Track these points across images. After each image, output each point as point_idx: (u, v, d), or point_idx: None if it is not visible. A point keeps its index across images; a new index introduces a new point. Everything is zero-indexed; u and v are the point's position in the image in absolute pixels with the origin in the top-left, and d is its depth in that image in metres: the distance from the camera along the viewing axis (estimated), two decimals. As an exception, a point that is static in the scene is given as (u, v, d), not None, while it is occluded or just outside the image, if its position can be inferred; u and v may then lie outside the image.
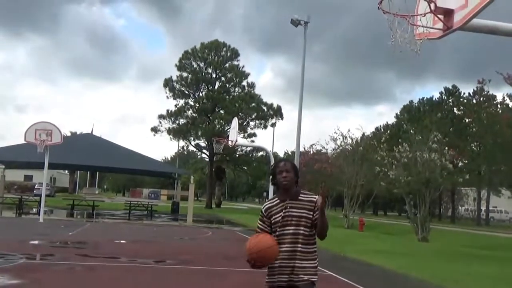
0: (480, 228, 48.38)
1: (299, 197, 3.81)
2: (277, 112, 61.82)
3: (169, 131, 60.64)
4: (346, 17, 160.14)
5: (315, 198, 3.75)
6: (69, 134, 71.73)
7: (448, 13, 5.15)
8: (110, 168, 46.14)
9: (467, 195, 70.39)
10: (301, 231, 3.71)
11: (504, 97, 21.56)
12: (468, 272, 13.23)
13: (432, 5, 5.15)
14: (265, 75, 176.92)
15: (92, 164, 40.64)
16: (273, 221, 3.81)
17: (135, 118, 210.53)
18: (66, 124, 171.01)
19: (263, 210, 3.90)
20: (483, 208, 60.09)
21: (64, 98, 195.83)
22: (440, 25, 5.23)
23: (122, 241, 16.95)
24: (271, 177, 3.91)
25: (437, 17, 5.18)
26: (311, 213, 3.73)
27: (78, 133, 78.83)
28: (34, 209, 31.61)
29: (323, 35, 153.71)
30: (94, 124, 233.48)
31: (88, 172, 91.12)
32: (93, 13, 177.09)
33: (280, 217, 3.77)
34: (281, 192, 3.86)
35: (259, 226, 3.90)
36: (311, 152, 45.36)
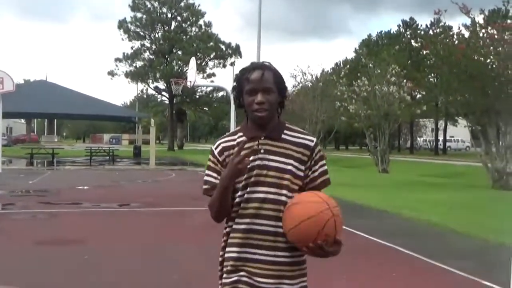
0: (438, 157, 49.84)
1: (284, 136, 2.15)
2: (236, 51, 61.10)
3: (127, 75, 59.48)
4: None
5: (313, 141, 2.17)
6: (22, 82, 69.52)
7: None
8: (68, 115, 45.20)
9: (425, 126, 72.18)
10: (283, 198, 2.08)
11: (459, 28, 21.72)
12: (425, 200, 13.68)
13: None
14: (221, 14, 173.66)
15: (49, 112, 39.66)
16: None
17: (90, 63, 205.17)
18: (18, 72, 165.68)
19: (216, 152, 2.25)
20: (441, 138, 61.79)
21: (13, 44, 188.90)
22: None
23: (84, 187, 16.81)
24: (234, 94, 2.20)
25: None
26: (303, 167, 2.13)
27: (32, 80, 76.52)
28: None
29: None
30: (47, 71, 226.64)
31: (46, 120, 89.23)
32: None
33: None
34: (250, 125, 2.18)
35: (209, 180, 2.23)
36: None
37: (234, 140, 2.20)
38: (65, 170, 25.73)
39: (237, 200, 2.13)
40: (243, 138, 2.15)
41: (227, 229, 2.20)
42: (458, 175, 27.18)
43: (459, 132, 61.22)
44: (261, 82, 2.09)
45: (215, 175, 2.21)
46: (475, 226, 9.51)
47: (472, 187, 18.54)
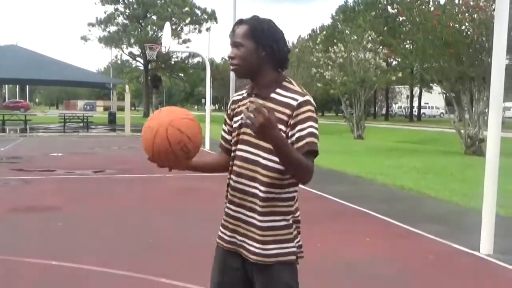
0: (413, 124, 50.38)
1: (273, 95, 2.09)
2: (212, 16, 60.25)
3: (100, 40, 58.30)
4: None
5: (297, 100, 2.04)
6: (-8, 47, 67.68)
7: None
8: (41, 81, 44.27)
9: (400, 93, 72.65)
10: (261, 159, 2.08)
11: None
12: (399, 165, 13.85)
13: None
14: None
15: (21, 77, 38.75)
16: (232, 129, 2.25)
17: (63, 28, 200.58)
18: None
19: (229, 105, 2.33)
20: (416, 105, 62.39)
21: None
22: None
23: (58, 154, 16.61)
24: None
25: None
26: (284, 128, 2.03)
27: (2, 45, 74.59)
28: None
29: None
30: (18, 36, 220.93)
31: (17, 86, 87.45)
32: None
33: (237, 125, 2.19)
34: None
35: (222, 135, 2.35)
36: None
37: (241, 95, 2.25)
38: (38, 137, 25.35)
39: (231, 155, 2.20)
40: (245, 94, 2.21)
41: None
42: (432, 141, 27.55)
43: (434, 99, 61.85)
44: (231, 37, 2.11)
45: (225, 130, 2.34)
46: (447, 191, 9.68)
47: (446, 153, 18.83)
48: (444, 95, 19.93)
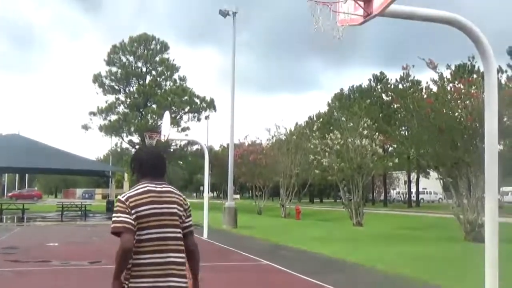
0: (411, 209, 50.16)
1: None
2: (210, 105, 61.57)
3: (101, 128, 59.27)
4: (271, 6, 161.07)
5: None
6: (-6, 136, 68.59)
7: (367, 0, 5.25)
8: (40, 169, 44.54)
9: (398, 178, 72.88)
10: None
11: (427, 82, 22.47)
12: (399, 253, 13.68)
13: (352, -8, 5.22)
14: (195, 68, 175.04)
15: (21, 166, 39.03)
16: None
17: (64, 117, 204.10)
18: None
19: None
20: (414, 190, 62.39)
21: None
22: (360, 11, 5.31)
23: (54, 244, 16.41)
24: None
25: (358, 3, 5.26)
26: None
27: (4, 134, 75.57)
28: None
29: (250, 25, 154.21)
30: (20, 124, 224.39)
31: (17, 175, 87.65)
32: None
33: None
34: None
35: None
36: (246, 144, 45.52)
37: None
38: (36, 226, 25.14)
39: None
40: None
41: None
42: (431, 227, 27.33)
43: (432, 184, 61.91)
44: None
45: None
46: (448, 279, 9.51)
47: (446, 239, 18.61)
48: (441, 180, 19.99)
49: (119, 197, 3.13)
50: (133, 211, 3.03)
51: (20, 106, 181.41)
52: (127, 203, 3.04)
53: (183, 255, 3.10)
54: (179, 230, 3.11)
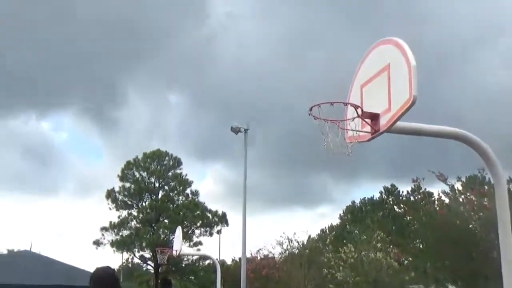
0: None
1: None
2: (222, 219, 61.35)
3: (112, 244, 58.73)
4: (281, 123, 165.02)
5: None
6: (5, 252, 68.16)
7: (374, 117, 5.53)
8: (50, 286, 43.78)
9: (416, 293, 70.52)
10: None
11: (439, 194, 22.66)
12: None
13: (359, 110, 5.53)
14: (206, 182, 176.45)
15: (31, 283, 38.45)
16: None
17: (76, 232, 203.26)
18: (2, 242, 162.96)
19: None
20: (432, 305, 60.11)
21: None
22: (368, 128, 5.59)
23: None
24: None
25: (365, 121, 5.55)
26: None
27: (15, 250, 75.11)
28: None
29: (261, 141, 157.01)
30: (32, 240, 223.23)
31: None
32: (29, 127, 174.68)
33: None
34: None
35: None
36: (259, 258, 44.75)
37: None
38: None
39: None
40: None
41: None
42: None
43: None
44: None
45: None
46: None
47: None
48: (460, 294, 19.46)
49: None
50: None
51: (32, 221, 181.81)
52: None
53: None
54: None
